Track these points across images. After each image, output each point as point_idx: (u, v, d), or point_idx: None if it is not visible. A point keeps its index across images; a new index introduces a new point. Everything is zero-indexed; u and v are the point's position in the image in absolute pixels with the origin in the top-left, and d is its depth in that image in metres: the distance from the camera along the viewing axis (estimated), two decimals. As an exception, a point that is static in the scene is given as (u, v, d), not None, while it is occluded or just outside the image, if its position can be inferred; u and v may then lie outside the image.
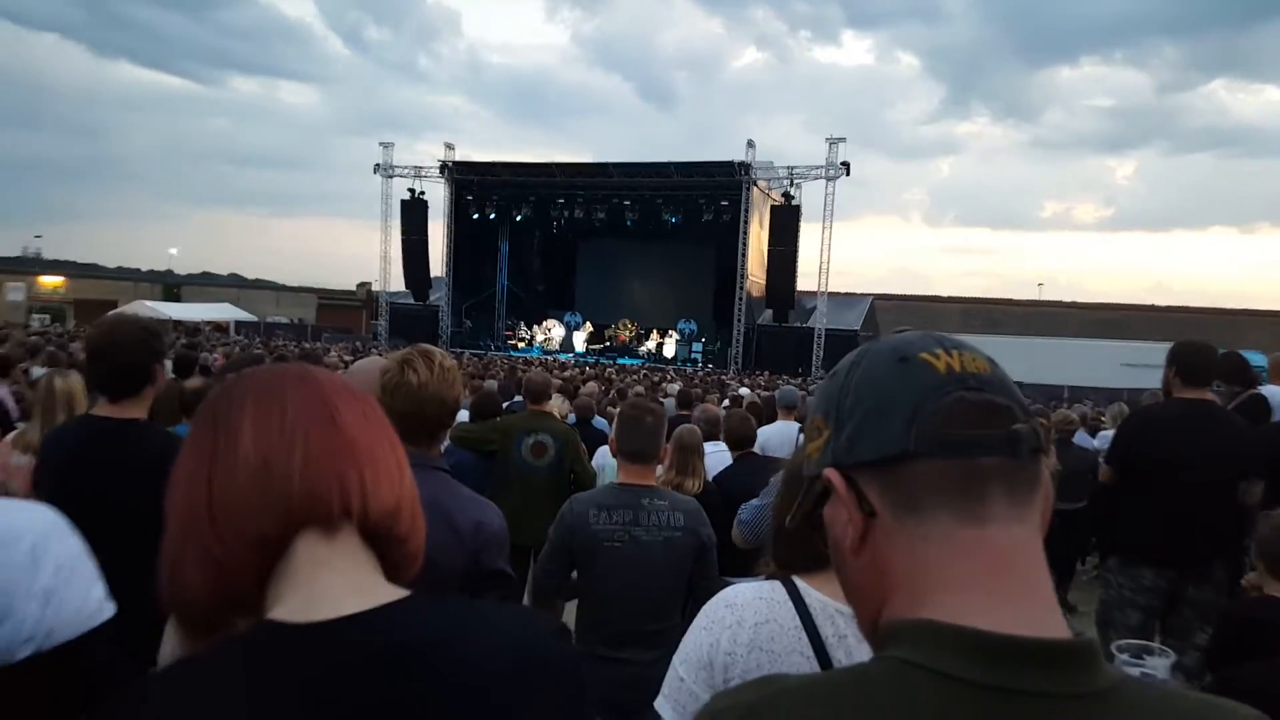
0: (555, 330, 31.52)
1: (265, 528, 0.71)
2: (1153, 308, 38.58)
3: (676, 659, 1.56)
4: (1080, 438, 7.31)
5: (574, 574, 2.74)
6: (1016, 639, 0.57)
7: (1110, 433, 6.20)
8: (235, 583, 0.71)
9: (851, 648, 1.38)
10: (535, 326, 31.75)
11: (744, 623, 1.50)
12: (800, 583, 1.52)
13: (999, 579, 0.60)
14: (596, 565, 2.62)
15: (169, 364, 6.53)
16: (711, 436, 4.87)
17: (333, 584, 0.71)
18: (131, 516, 2.03)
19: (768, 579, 1.60)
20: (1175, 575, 3.36)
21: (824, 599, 1.44)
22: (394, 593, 0.73)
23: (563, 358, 26.62)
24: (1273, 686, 1.28)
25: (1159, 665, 1.58)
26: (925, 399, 0.62)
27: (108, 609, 1.22)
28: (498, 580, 2.05)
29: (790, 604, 1.52)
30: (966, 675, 0.56)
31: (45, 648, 1.10)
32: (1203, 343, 3.58)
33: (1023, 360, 25.70)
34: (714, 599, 1.59)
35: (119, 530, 2.03)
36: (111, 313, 2.34)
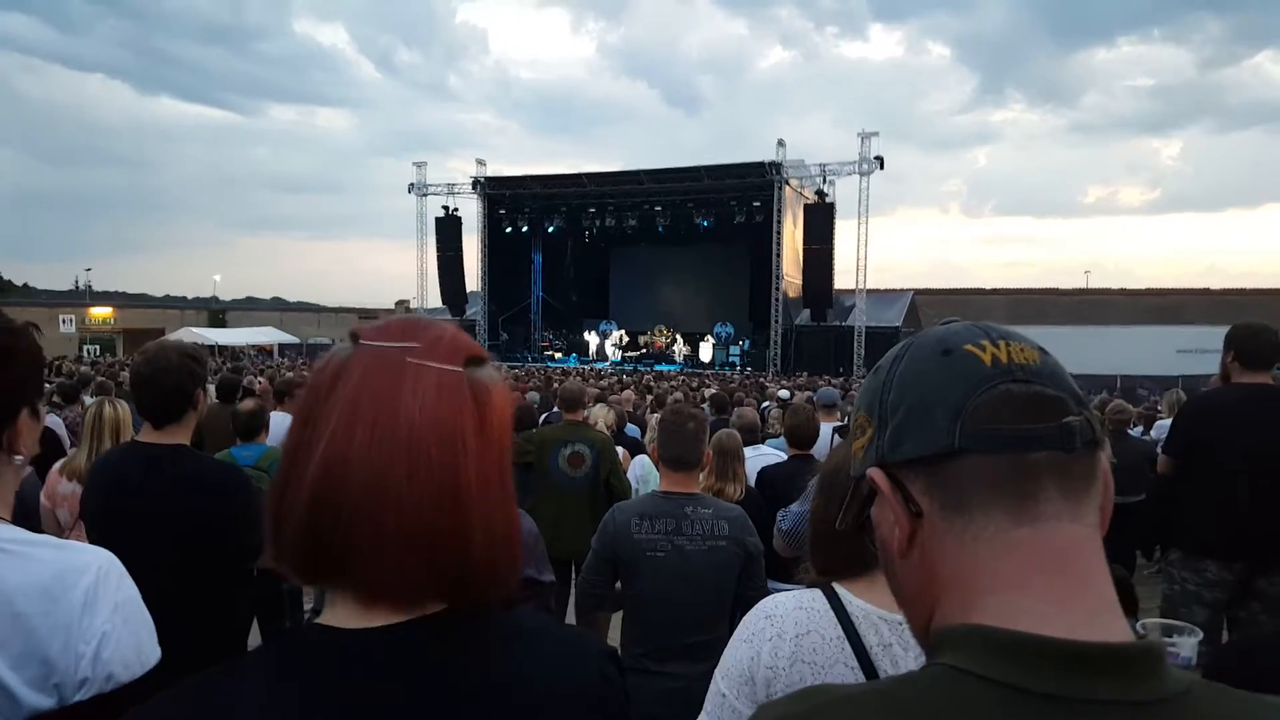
0: (596, 337, 31.61)
1: (307, 575, 0.71)
2: (1207, 291, 37.44)
3: (718, 673, 1.53)
4: (1134, 430, 7.11)
5: (619, 584, 2.71)
6: (1073, 643, 0.54)
7: (1167, 422, 6.00)
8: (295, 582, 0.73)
9: (897, 656, 1.33)
10: (587, 333, 31.89)
11: (785, 635, 1.46)
12: (842, 590, 1.48)
13: (1054, 579, 0.57)
14: (639, 576, 2.59)
15: (213, 389, 6.69)
16: (750, 441, 4.82)
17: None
18: (175, 541, 2.06)
19: (809, 587, 1.56)
20: (1243, 567, 3.23)
21: (866, 606, 1.40)
22: (436, 606, 0.72)
23: (599, 366, 26.69)
24: None
25: (1185, 644, 1.51)
26: (971, 392, 0.59)
27: (157, 652, 1.23)
28: (527, 588, 2.04)
29: (832, 613, 1.48)
30: (1020, 682, 0.53)
31: (105, 690, 1.11)
32: (1261, 324, 3.44)
33: (1073, 350, 25.06)
34: (753, 610, 1.56)
35: (163, 554, 2.06)
36: (153, 341, 2.38)
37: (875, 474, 0.63)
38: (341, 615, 0.70)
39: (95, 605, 1.13)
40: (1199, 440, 3.33)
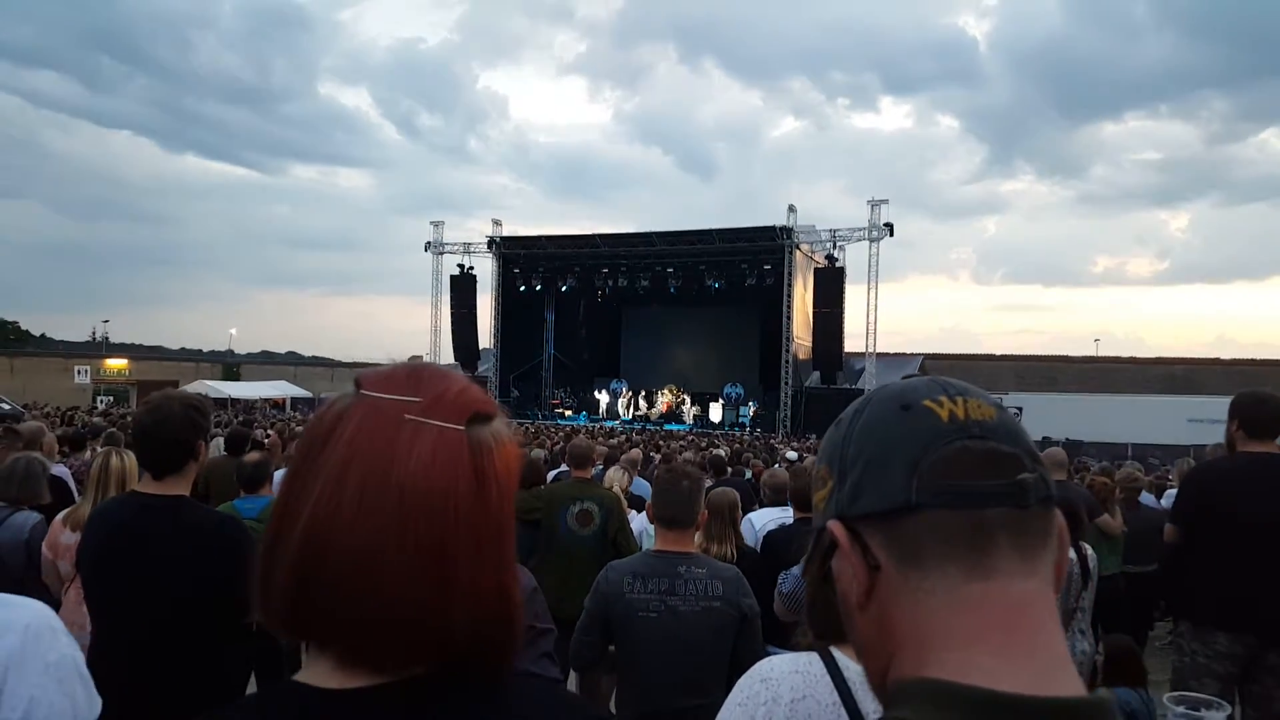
0: (606, 396, 31.58)
1: (292, 636, 0.69)
2: (1217, 361, 37.21)
3: None
4: (1146, 498, 7.01)
5: (611, 647, 2.67)
6: (1023, 698, 0.54)
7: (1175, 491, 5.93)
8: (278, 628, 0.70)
9: None
10: (597, 392, 31.88)
11: (780, 699, 1.45)
12: (839, 654, 1.46)
13: (1006, 635, 0.57)
14: (632, 636, 2.54)
15: (220, 441, 6.72)
16: (778, 502, 4.75)
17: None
18: (169, 592, 2.06)
19: (806, 650, 1.54)
20: (1253, 640, 3.15)
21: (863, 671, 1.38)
22: (428, 666, 0.69)
23: (609, 425, 26.64)
24: None
25: (1213, 718, 1.48)
26: (927, 448, 0.60)
27: (97, 708, 1.18)
28: (537, 637, 2.01)
29: (828, 678, 1.47)
30: None
31: None
32: (1266, 392, 3.42)
33: (1084, 418, 24.96)
34: (749, 673, 1.54)
35: (159, 607, 2.06)
36: (158, 392, 2.40)
37: (834, 527, 0.64)
38: (318, 674, 0.68)
39: (22, 668, 1.07)
40: (1204, 509, 3.29)
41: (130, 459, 3.05)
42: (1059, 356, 40.97)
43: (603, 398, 31.56)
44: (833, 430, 0.69)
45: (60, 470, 4.58)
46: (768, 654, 3.02)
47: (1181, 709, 1.51)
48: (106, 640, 2.09)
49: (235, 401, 30.36)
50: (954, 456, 0.59)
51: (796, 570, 3.06)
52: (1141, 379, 34.49)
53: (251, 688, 2.34)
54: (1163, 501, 7.08)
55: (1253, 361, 36.47)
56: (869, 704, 1.35)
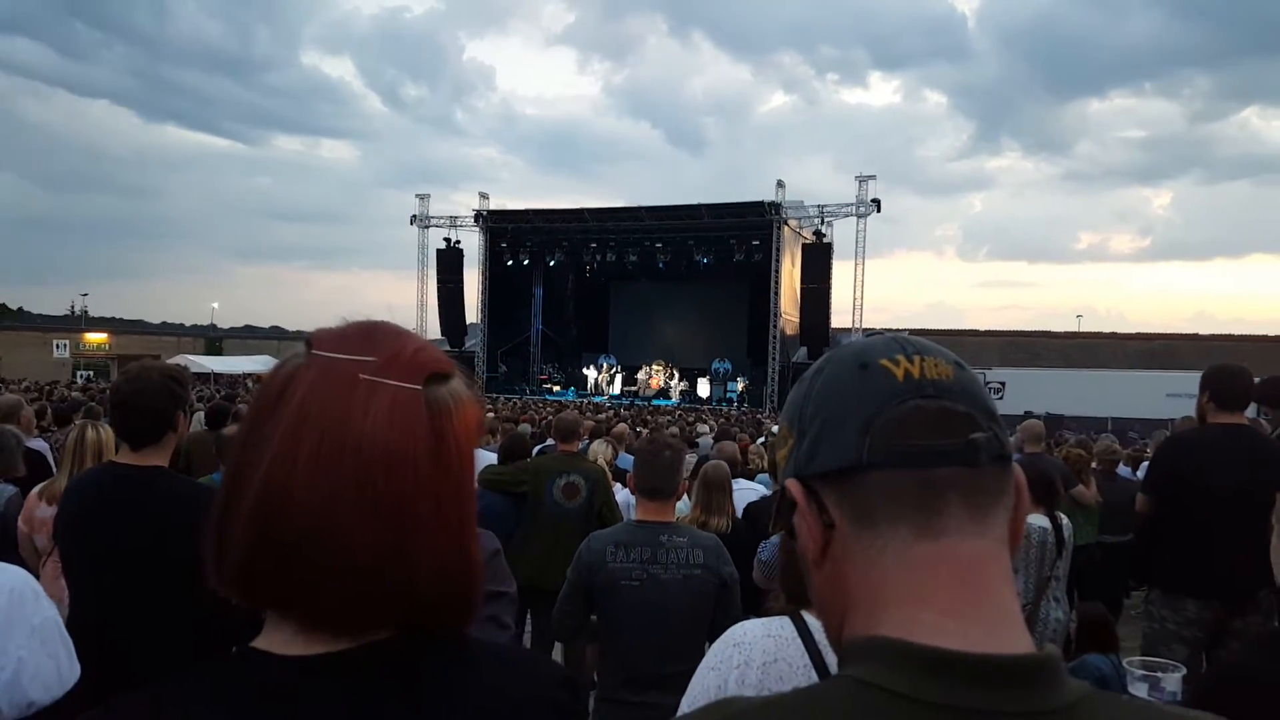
0: (595, 371, 31.59)
1: (250, 601, 0.67)
2: (1196, 336, 37.58)
3: (685, 701, 1.53)
4: (1123, 470, 7.10)
5: (594, 616, 2.70)
6: (972, 655, 0.55)
7: (1152, 463, 6.01)
8: (239, 594, 0.68)
9: None
10: (586, 368, 31.86)
11: (752, 662, 1.47)
12: (809, 618, 1.49)
13: (955, 593, 0.58)
14: (615, 605, 2.58)
15: (202, 415, 6.68)
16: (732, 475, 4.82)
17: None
18: (146, 563, 2.06)
19: (778, 615, 1.57)
20: (1220, 606, 3.22)
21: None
22: (389, 629, 0.68)
23: (597, 400, 26.67)
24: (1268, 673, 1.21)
25: (1170, 679, 1.53)
26: (880, 408, 0.60)
27: (77, 670, 1.20)
28: (493, 601, 2.03)
29: (799, 641, 1.49)
30: (919, 694, 0.54)
31: (25, 716, 1.09)
32: (1237, 366, 3.47)
33: (1066, 392, 25.16)
34: (721, 638, 1.56)
35: (133, 576, 2.06)
36: (135, 363, 2.38)
37: (792, 485, 0.65)
38: (279, 640, 0.67)
39: (9, 630, 1.10)
40: (1174, 479, 3.35)
41: (107, 431, 3.03)
42: (1042, 332, 41.23)
43: (590, 373, 31.54)
44: (795, 389, 0.70)
45: (39, 444, 4.55)
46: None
47: (1140, 671, 1.55)
48: (84, 611, 2.09)
49: (218, 376, 30.15)
50: (906, 416, 0.60)
51: (775, 538, 3.10)
52: (1122, 354, 34.80)
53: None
54: (1139, 474, 7.18)
55: (1230, 337, 36.88)
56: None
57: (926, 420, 0.60)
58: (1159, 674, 1.57)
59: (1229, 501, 3.13)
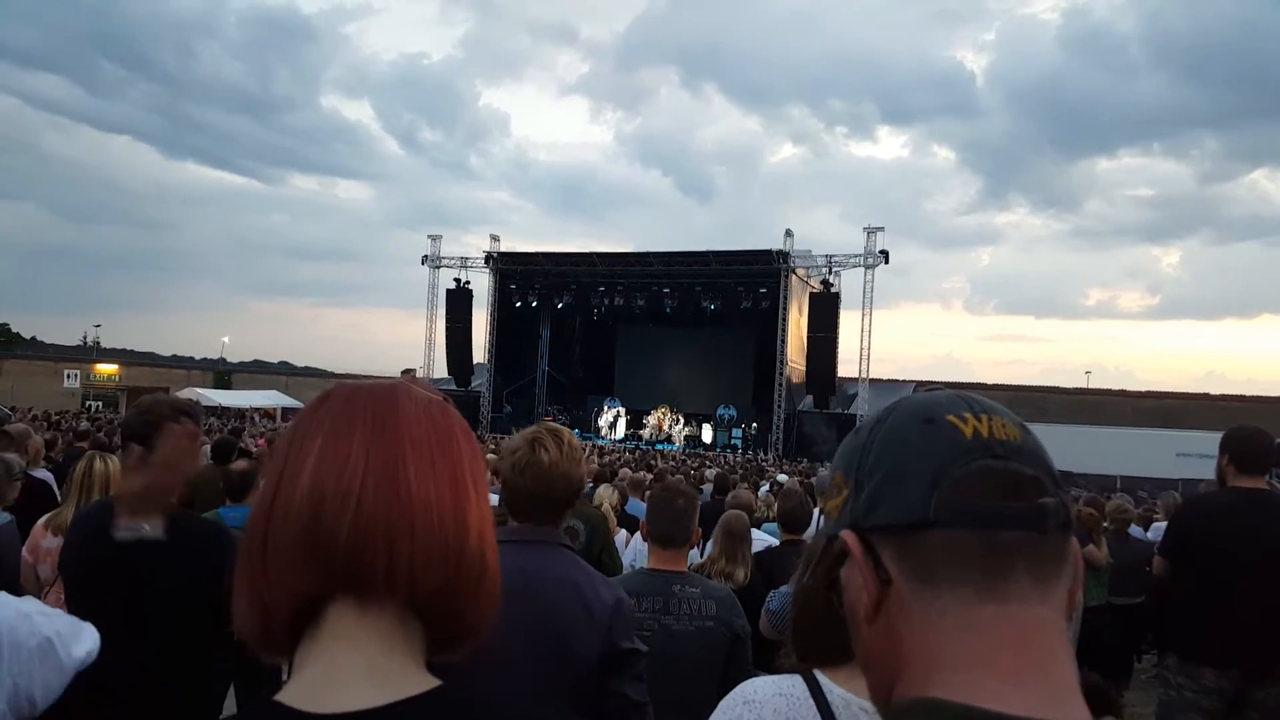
0: (606, 414, 31.54)
1: (306, 585, 0.66)
2: (1206, 396, 37.40)
3: None
4: (1134, 530, 7.01)
5: None
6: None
7: (1163, 524, 5.94)
8: (273, 631, 0.67)
9: None
10: (593, 410, 31.83)
11: None
12: (822, 677, 1.45)
13: (1015, 659, 0.56)
14: None
15: (208, 449, 6.67)
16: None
17: (352, 666, 0.65)
18: (153, 599, 2.03)
19: (789, 672, 1.53)
20: (1239, 675, 3.14)
21: (847, 695, 1.37)
22: (417, 685, 0.65)
23: (600, 443, 26.60)
24: None
25: None
26: (948, 465, 0.59)
27: (92, 650, 1.26)
28: (630, 659, 2.01)
29: (812, 701, 1.45)
30: None
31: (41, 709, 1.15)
32: (1256, 428, 3.44)
33: (1073, 449, 24.92)
34: (731, 695, 1.53)
35: (140, 613, 2.03)
36: (147, 396, 2.39)
37: (848, 536, 0.62)
38: (302, 694, 0.64)
39: (14, 663, 1.17)
40: (1194, 543, 3.30)
41: (114, 463, 3.02)
42: (1050, 387, 41.10)
43: (605, 419, 31.42)
44: (851, 438, 0.67)
45: (44, 475, 4.54)
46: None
47: None
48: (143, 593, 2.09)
49: (226, 410, 30.23)
50: (975, 476, 0.58)
51: (785, 589, 3.05)
52: (1131, 412, 34.61)
53: (230, 705, 2.30)
54: (1149, 534, 7.08)
55: (1241, 398, 36.66)
56: None
57: (996, 482, 0.58)
58: None
59: (1250, 567, 3.08)
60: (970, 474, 0.58)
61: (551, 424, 2.01)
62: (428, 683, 0.66)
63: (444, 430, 0.72)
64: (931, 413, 0.62)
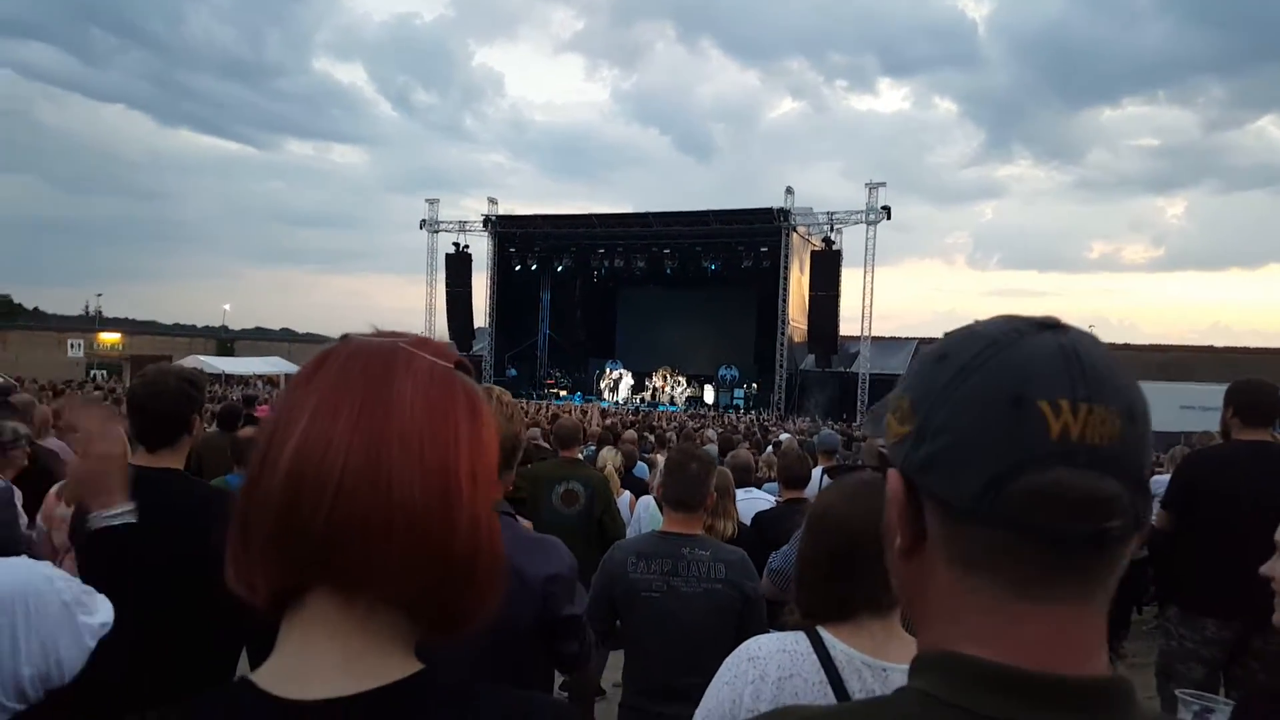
0: (611, 374, 31.60)
1: (283, 573, 0.64)
2: (1210, 348, 37.41)
3: (698, 714, 1.51)
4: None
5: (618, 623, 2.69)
6: (1044, 675, 0.53)
7: (1166, 477, 5.97)
8: (260, 605, 0.66)
9: None
10: (595, 373, 31.91)
11: (767, 677, 1.45)
12: (826, 634, 1.47)
13: (1041, 643, 0.55)
14: (635, 615, 2.58)
15: (211, 415, 6.70)
16: (743, 483, 4.79)
17: (328, 654, 0.63)
18: (162, 566, 2.05)
19: (793, 629, 1.55)
20: (1240, 626, 3.18)
21: (850, 651, 1.39)
22: (400, 669, 0.64)
23: (603, 405, 26.69)
24: None
25: (1220, 715, 1.53)
26: (1018, 468, 0.53)
27: (107, 621, 1.31)
28: (570, 626, 2.03)
29: (815, 657, 1.47)
30: (989, 712, 0.53)
31: (64, 681, 1.19)
32: (1261, 381, 3.43)
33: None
34: (736, 651, 1.55)
35: (150, 580, 2.05)
36: (153, 365, 2.40)
37: (894, 477, 0.61)
38: (278, 676, 0.63)
39: (27, 625, 1.23)
40: (1198, 496, 3.31)
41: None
42: (1053, 342, 40.99)
43: (606, 381, 31.50)
44: (934, 367, 0.60)
45: (56, 444, 4.56)
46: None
47: (1193, 703, 1.58)
48: (128, 578, 2.11)
49: (230, 377, 30.31)
50: (1044, 490, 0.53)
51: (786, 548, 3.08)
52: (1136, 365, 34.30)
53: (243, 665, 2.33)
54: (1153, 486, 7.12)
55: (1246, 350, 36.67)
56: (854, 684, 1.36)
57: (1065, 500, 0.53)
58: (1209, 708, 1.59)
59: (1254, 520, 3.08)
60: (1040, 486, 0.53)
61: (487, 385, 2.01)
62: (410, 667, 0.65)
63: (441, 414, 0.66)
64: (1023, 391, 0.54)
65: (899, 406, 0.61)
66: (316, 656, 0.63)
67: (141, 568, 2.04)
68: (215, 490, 2.38)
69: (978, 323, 0.61)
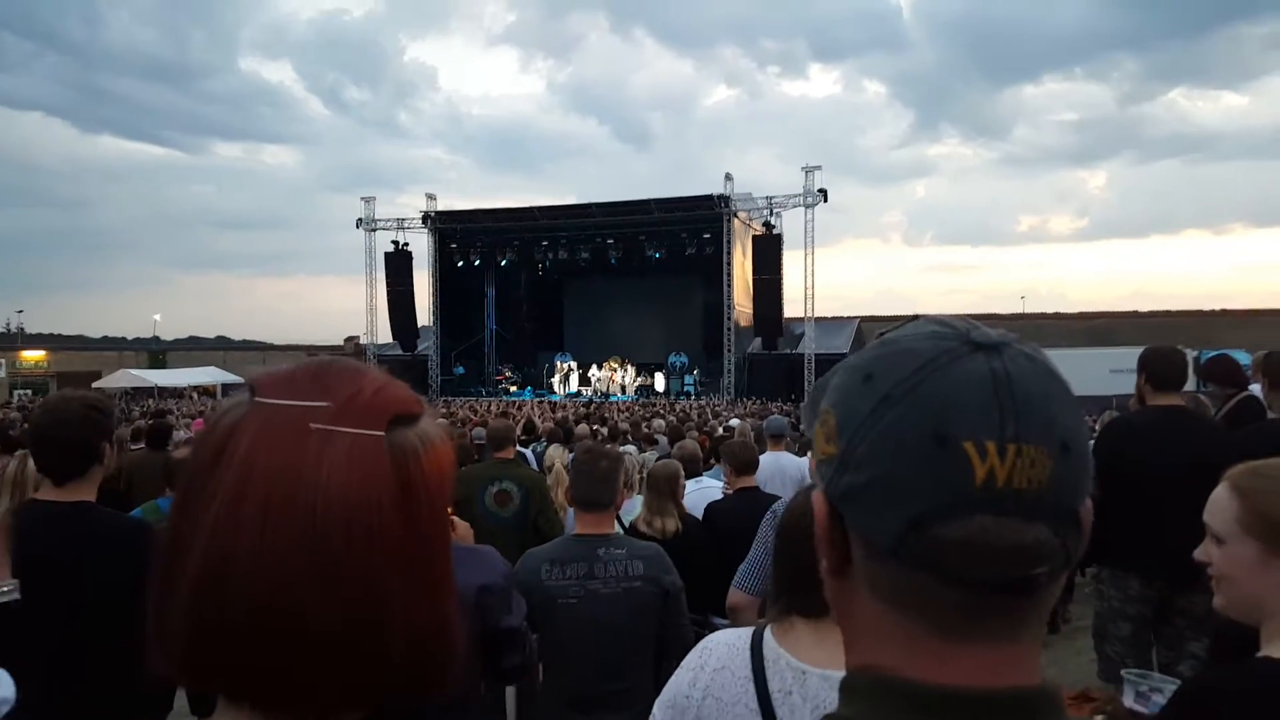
0: (560, 367, 31.44)
1: (192, 679, 0.60)
2: (1135, 313, 38.89)
3: (659, 697, 1.54)
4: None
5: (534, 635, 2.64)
6: (972, 690, 0.52)
7: (1095, 442, 6.18)
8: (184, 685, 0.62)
9: (795, 705, 1.34)
10: (545, 366, 31.65)
11: (706, 667, 1.49)
12: (768, 632, 1.48)
13: (966, 669, 0.54)
14: (553, 624, 2.49)
15: (130, 434, 6.47)
16: (692, 473, 4.78)
17: None
18: (79, 606, 1.97)
19: (755, 625, 1.57)
20: (1164, 585, 3.31)
21: (781, 651, 1.40)
22: (359, 709, 0.61)
23: (552, 398, 26.58)
24: (1260, 686, 1.24)
25: (1159, 695, 1.59)
26: (939, 514, 0.50)
27: (8, 698, 1.21)
28: (509, 638, 1.99)
29: (748, 653, 1.49)
30: None
31: None
32: (1170, 348, 3.57)
33: (1013, 372, 25.66)
34: (700, 641, 1.58)
35: (66, 621, 1.97)
36: (54, 393, 2.28)
37: (818, 500, 0.59)
38: None
39: None
40: (1116, 461, 3.43)
41: (30, 464, 2.90)
42: (987, 314, 42.08)
43: (557, 375, 31.33)
44: (859, 388, 0.55)
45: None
46: (714, 626, 2.99)
47: (1138, 683, 1.63)
48: (16, 656, 2.00)
49: (164, 390, 29.37)
50: (966, 540, 0.50)
51: (744, 564, 2.85)
52: (1066, 333, 35.81)
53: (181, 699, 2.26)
54: (1086, 452, 7.35)
55: (1168, 313, 38.21)
56: (775, 683, 1.38)
57: (990, 549, 0.50)
58: (1150, 689, 1.65)
59: (1169, 481, 3.22)
60: (961, 536, 0.50)
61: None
62: (358, 710, 0.61)
63: (363, 510, 0.58)
64: (949, 429, 0.51)
65: (825, 421, 0.58)
66: None
67: (59, 608, 1.96)
68: (131, 524, 2.26)
69: (908, 333, 0.57)
